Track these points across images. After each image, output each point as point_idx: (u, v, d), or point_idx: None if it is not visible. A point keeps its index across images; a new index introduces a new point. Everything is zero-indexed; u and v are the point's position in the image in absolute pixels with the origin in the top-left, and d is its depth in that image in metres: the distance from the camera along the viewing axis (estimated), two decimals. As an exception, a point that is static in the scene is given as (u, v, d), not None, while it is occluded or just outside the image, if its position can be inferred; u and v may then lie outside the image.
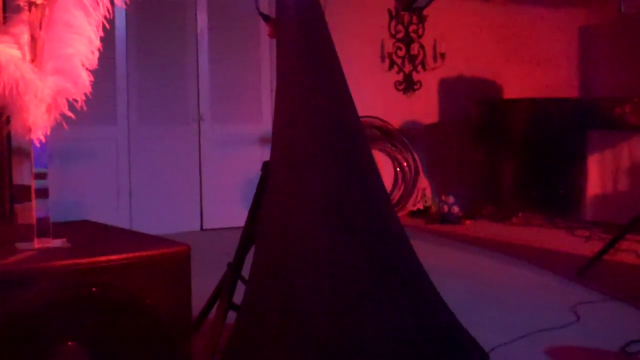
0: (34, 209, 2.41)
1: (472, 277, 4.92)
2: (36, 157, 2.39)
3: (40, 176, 2.41)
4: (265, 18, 3.22)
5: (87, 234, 2.75)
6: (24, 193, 4.42)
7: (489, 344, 3.32)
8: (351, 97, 3.24)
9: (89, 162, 6.47)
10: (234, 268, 3.20)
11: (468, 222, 7.18)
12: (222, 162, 6.93)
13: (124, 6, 2.28)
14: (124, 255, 2.29)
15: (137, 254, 2.32)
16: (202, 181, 6.93)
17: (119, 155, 6.65)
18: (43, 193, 2.42)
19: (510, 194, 7.50)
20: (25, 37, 2.32)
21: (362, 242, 3.05)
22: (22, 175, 5.51)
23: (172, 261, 2.36)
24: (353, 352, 2.90)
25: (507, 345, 3.43)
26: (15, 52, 2.28)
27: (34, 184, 2.41)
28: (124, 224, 6.38)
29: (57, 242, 2.41)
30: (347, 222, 3.05)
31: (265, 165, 3.17)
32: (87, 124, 5.95)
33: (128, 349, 2.28)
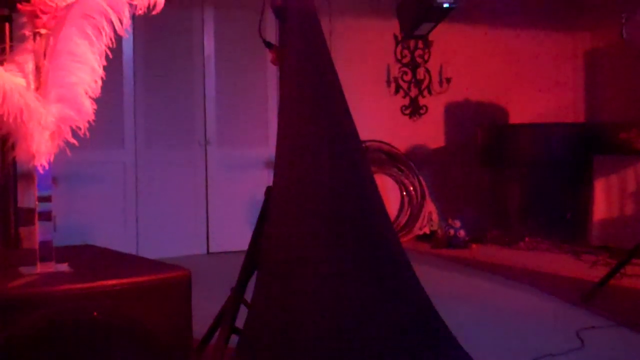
0: (37, 232, 2.43)
1: (477, 301, 4.91)
2: (40, 180, 2.42)
3: (44, 199, 2.44)
4: (269, 45, 3.26)
5: (89, 259, 2.76)
6: (28, 216, 4.46)
7: (493, 370, 3.32)
8: (353, 122, 3.27)
9: (96, 185, 6.52)
10: (237, 292, 3.22)
11: (474, 246, 7.17)
12: (229, 186, 6.96)
13: (126, 36, 2.32)
14: (125, 280, 2.30)
15: (138, 279, 2.34)
16: (209, 205, 6.96)
17: (126, 179, 6.70)
18: (47, 216, 2.44)
19: (516, 218, 7.49)
20: (30, 66, 2.36)
21: (363, 265, 3.08)
22: (29, 200, 5.56)
23: (173, 286, 2.37)
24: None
25: (511, 371, 3.42)
26: (20, 81, 2.32)
27: (38, 207, 2.43)
28: (131, 247, 6.41)
29: (59, 267, 2.43)
30: (348, 246, 3.07)
31: (268, 190, 3.19)
32: (95, 147, 6.01)
33: (129, 373, 2.29)
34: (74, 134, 2.43)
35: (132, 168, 6.72)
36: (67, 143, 2.43)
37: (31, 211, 2.51)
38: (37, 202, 2.43)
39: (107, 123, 6.31)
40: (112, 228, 6.48)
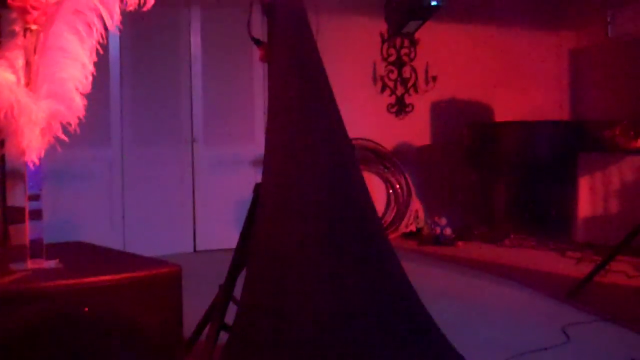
0: (28, 231, 2.42)
1: (463, 298, 4.94)
2: (30, 178, 2.41)
3: (34, 198, 2.43)
4: (257, 42, 3.27)
5: (80, 255, 2.76)
6: (17, 214, 4.44)
7: (479, 365, 3.34)
8: (341, 119, 3.29)
9: (82, 183, 6.51)
10: (226, 289, 3.23)
11: (460, 243, 7.20)
12: (215, 184, 6.97)
13: (118, 32, 2.32)
14: (115, 276, 2.30)
15: (128, 274, 2.33)
16: (195, 203, 6.96)
17: (113, 177, 6.69)
18: (37, 215, 2.43)
19: (502, 216, 7.54)
20: (20, 62, 2.35)
21: (352, 262, 3.09)
22: (15, 197, 5.55)
23: (163, 282, 2.37)
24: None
25: (498, 366, 3.45)
26: (10, 76, 2.31)
27: (28, 205, 2.42)
28: (117, 245, 6.40)
29: (50, 263, 2.42)
30: (337, 243, 3.08)
31: (257, 187, 3.20)
32: (81, 145, 6.04)
33: (120, 369, 2.29)
34: (63, 130, 2.42)
35: (118, 166, 6.71)
36: (57, 139, 2.42)
37: (20, 209, 2.49)
38: (27, 201, 2.42)
39: (94, 121, 6.22)
40: (98, 226, 6.47)
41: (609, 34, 5.54)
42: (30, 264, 2.40)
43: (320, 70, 3.25)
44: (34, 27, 2.33)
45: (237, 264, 3.25)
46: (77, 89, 2.37)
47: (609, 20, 5.43)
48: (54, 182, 6.06)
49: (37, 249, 2.41)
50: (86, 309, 2.22)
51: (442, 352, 3.23)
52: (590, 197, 6.90)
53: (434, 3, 7.01)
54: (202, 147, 6.98)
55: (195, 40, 6.96)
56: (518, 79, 8.30)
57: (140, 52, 6.72)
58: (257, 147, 6.90)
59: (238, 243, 3.27)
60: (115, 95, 6.64)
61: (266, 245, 3.02)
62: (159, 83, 6.81)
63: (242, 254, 3.21)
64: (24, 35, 2.35)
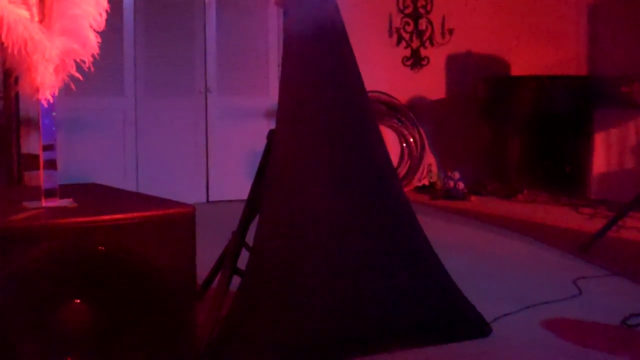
0: (42, 180, 2.42)
1: (476, 252, 4.94)
2: (44, 128, 2.40)
3: (49, 148, 2.42)
4: (273, -15, 3.23)
5: (94, 195, 2.77)
6: (32, 161, 4.45)
7: (491, 316, 3.34)
8: (358, 70, 3.27)
9: (96, 133, 6.51)
10: (238, 235, 3.23)
11: (473, 198, 7.19)
12: (229, 135, 6.96)
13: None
14: (129, 215, 2.31)
15: (142, 213, 2.34)
16: (209, 153, 6.96)
17: (126, 127, 6.69)
18: (51, 164, 2.43)
19: (515, 171, 7.49)
20: (34, -2, 2.34)
21: (366, 210, 3.09)
22: (30, 145, 5.58)
23: (177, 222, 2.38)
24: (354, 318, 2.94)
25: (509, 317, 3.45)
26: (24, 13, 2.29)
27: (43, 155, 2.42)
28: (131, 195, 6.41)
29: (64, 202, 2.43)
30: (351, 189, 3.09)
31: (271, 133, 3.19)
32: (95, 95, 6.06)
33: (133, 308, 2.31)
34: (77, 69, 2.41)
35: (132, 116, 6.71)
36: (72, 81, 2.41)
37: (35, 157, 2.49)
38: (41, 150, 2.41)
39: (107, 71, 6.27)
40: (111, 176, 6.44)
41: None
42: (44, 203, 2.40)
43: (337, 19, 3.22)
44: (47, -39, 2.31)
45: (250, 210, 3.25)
46: (91, 26, 2.35)
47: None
48: (67, 131, 6.07)
49: (52, 193, 2.42)
50: (102, 247, 2.23)
51: (455, 303, 3.24)
52: (605, 153, 6.86)
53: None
54: (215, 97, 6.95)
55: (210, -12, 6.90)
56: (535, 33, 8.18)
57: (153, 1, 6.66)
58: (271, 97, 6.86)
59: (252, 188, 3.27)
60: (129, 45, 6.60)
61: (279, 190, 3.02)
62: (173, 32, 6.76)
63: (256, 200, 3.21)
64: (38, -29, 2.33)
